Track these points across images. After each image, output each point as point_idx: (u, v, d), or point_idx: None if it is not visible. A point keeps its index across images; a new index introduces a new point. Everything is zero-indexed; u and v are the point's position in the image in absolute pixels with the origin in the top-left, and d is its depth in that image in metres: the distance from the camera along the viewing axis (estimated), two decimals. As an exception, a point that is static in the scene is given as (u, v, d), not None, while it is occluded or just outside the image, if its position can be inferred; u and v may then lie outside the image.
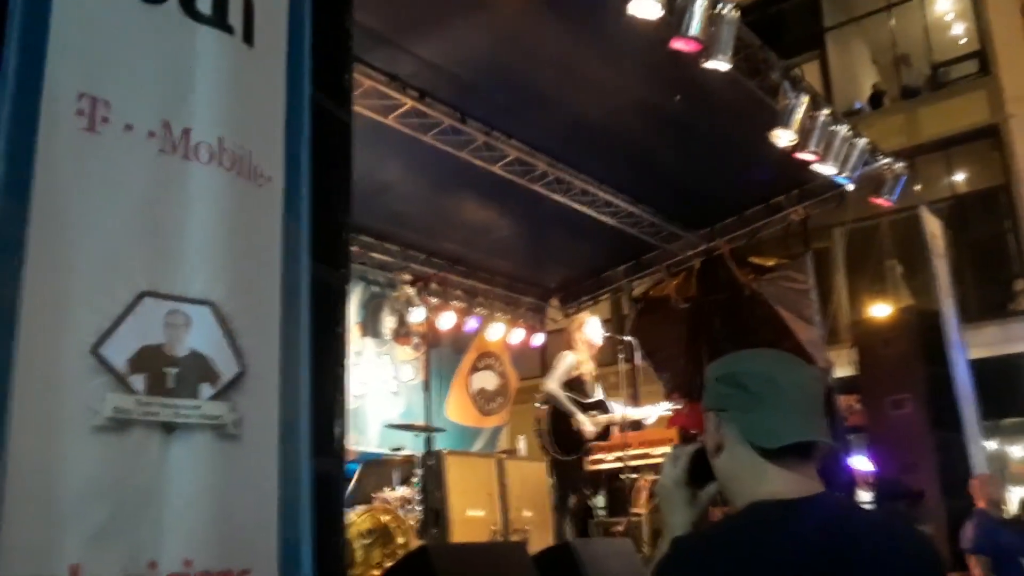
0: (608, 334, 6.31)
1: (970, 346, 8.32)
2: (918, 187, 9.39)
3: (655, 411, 6.33)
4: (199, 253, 1.79)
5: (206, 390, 1.74)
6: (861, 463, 8.28)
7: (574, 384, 5.95)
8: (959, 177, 13.04)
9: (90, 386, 1.59)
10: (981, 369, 8.38)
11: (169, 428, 1.68)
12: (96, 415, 1.58)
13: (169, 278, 1.73)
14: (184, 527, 1.66)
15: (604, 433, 5.99)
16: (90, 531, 1.54)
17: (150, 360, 1.67)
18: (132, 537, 1.59)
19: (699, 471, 1.47)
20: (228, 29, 1.94)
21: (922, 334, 7.59)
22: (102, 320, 1.63)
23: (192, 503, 1.68)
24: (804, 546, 1.22)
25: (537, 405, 6.07)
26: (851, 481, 8.00)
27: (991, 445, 10.83)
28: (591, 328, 6.07)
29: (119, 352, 1.63)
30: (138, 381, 1.65)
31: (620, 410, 6.15)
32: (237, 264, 1.86)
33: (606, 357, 6.36)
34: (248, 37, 1.98)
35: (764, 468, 1.32)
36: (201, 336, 1.75)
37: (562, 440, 5.84)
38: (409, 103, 5.91)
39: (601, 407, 6.00)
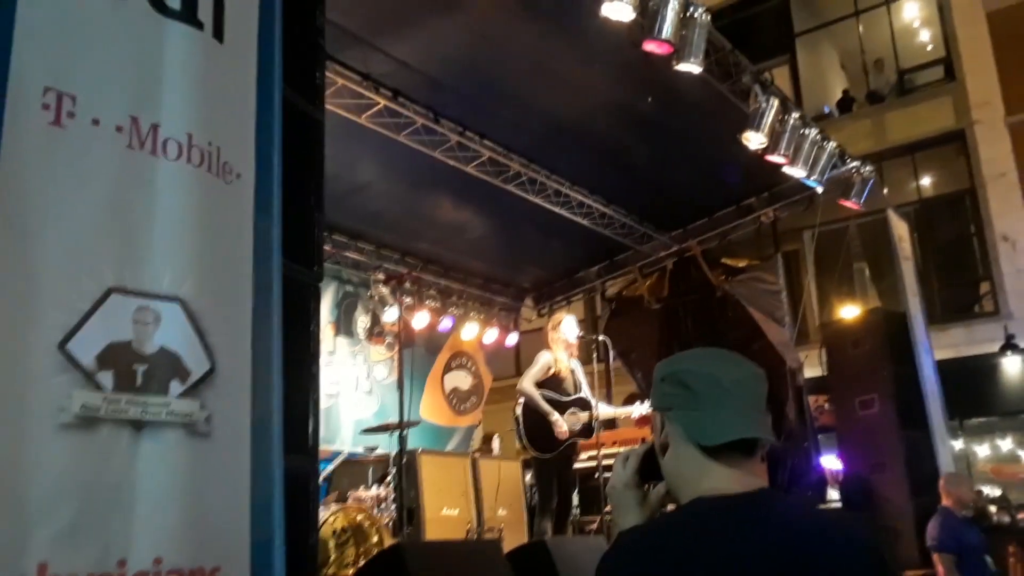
0: (582, 334, 6.31)
1: (936, 347, 8.45)
2: (885, 191, 9.53)
3: (640, 408, 6.32)
4: (167, 249, 1.77)
5: (175, 387, 1.72)
6: (831, 462, 8.38)
7: (551, 382, 5.94)
8: (925, 181, 13.25)
9: (57, 383, 1.57)
10: (947, 370, 8.52)
11: (138, 426, 1.66)
12: (64, 412, 1.56)
13: (137, 274, 1.71)
14: (154, 525, 1.64)
15: (588, 431, 5.97)
16: (58, 529, 1.52)
17: (118, 357, 1.65)
18: (101, 535, 1.57)
19: (649, 472, 1.49)
20: (197, 24, 1.92)
21: (890, 335, 7.69)
22: (69, 317, 1.60)
23: (162, 501, 1.66)
24: (742, 540, 1.24)
25: (517, 406, 6.03)
26: (821, 480, 8.09)
27: (957, 444, 11.01)
28: (566, 326, 6.09)
29: (87, 349, 1.61)
30: (106, 378, 1.62)
31: (603, 408, 6.14)
32: (206, 261, 1.85)
33: (580, 357, 6.35)
34: (218, 33, 1.97)
35: (707, 465, 1.34)
36: (170, 333, 1.73)
37: (538, 439, 5.81)
38: (382, 102, 5.89)
39: (581, 404, 5.98)
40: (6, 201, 1.56)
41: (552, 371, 5.95)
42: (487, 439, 9.31)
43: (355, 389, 8.24)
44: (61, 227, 1.62)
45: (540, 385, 5.90)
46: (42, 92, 1.63)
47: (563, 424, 5.76)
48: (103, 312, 1.64)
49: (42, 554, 1.50)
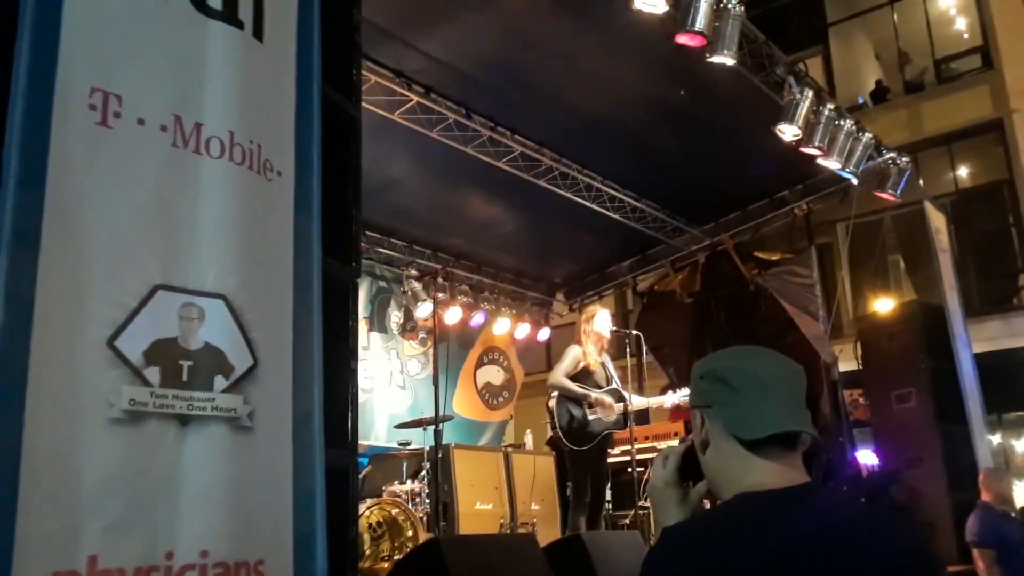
0: (614, 328, 6.27)
1: (974, 340, 8.30)
2: (921, 182, 9.38)
3: (673, 398, 6.27)
4: (211, 247, 1.80)
5: (220, 382, 1.75)
6: (867, 457, 8.29)
7: (582, 376, 5.91)
8: (963, 172, 13.02)
9: (106, 378, 1.60)
10: (985, 363, 8.36)
11: (184, 420, 1.69)
12: (112, 407, 1.59)
13: (182, 271, 1.74)
14: (200, 518, 1.67)
15: (622, 422, 5.93)
16: (107, 522, 1.55)
17: (165, 353, 1.68)
18: (149, 528, 1.60)
19: (689, 470, 1.49)
20: (238, 24, 1.94)
21: (926, 328, 7.59)
22: (117, 313, 1.63)
23: (208, 494, 1.68)
24: (787, 535, 1.23)
25: (550, 399, 6.00)
26: (857, 474, 8.00)
27: (996, 439, 10.83)
28: (600, 320, 6.04)
29: (134, 345, 1.64)
30: (153, 374, 1.65)
31: (636, 399, 6.09)
32: (249, 258, 1.87)
33: (613, 351, 6.32)
34: (258, 32, 1.99)
35: (749, 460, 1.34)
36: (214, 329, 1.76)
37: (572, 432, 5.79)
38: (415, 99, 5.91)
39: (615, 396, 5.94)
40: (55, 200, 1.59)
41: (582, 365, 5.91)
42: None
43: (389, 384, 8.30)
44: (108, 225, 1.65)
45: (571, 379, 5.88)
46: (89, 93, 1.66)
47: (604, 398, 5.71)
48: (150, 309, 1.67)
49: (92, 547, 1.52)
